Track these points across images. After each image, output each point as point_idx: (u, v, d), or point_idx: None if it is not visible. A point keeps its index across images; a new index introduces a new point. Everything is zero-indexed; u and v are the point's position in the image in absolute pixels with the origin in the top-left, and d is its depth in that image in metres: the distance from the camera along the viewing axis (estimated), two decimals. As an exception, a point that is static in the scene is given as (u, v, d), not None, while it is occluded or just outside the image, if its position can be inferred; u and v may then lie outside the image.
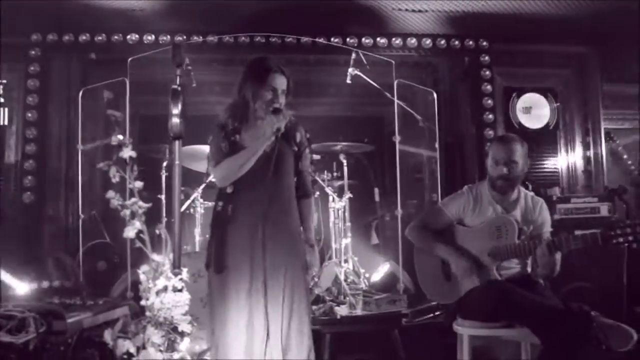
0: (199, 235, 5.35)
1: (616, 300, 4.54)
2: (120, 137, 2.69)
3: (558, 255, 3.32)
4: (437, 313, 4.63)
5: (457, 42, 6.43)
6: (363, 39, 6.22)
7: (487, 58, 6.46)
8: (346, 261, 5.41)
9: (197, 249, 5.28)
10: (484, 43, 6.46)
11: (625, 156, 5.50)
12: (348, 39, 6.17)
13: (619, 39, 6.43)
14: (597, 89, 6.74)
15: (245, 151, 2.92)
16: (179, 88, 2.82)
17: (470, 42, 6.44)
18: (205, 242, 5.21)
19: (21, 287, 4.42)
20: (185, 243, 5.55)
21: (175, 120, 2.77)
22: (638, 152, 6.35)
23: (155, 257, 2.71)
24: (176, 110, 2.77)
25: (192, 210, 5.42)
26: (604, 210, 5.67)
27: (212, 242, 3.04)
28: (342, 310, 4.59)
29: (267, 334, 2.82)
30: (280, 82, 3.01)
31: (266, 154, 2.95)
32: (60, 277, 4.83)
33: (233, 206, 2.95)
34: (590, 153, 6.67)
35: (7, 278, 4.72)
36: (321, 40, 6.08)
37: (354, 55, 5.53)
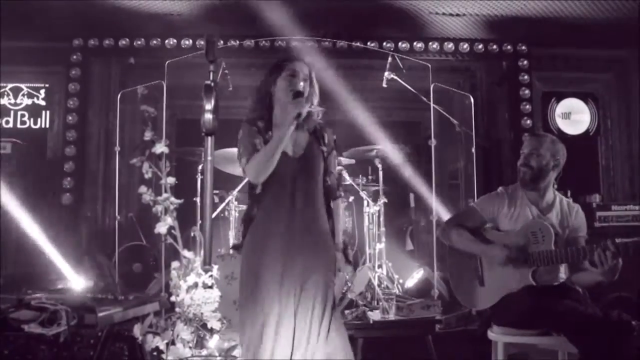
0: (233, 238, 5.36)
1: None
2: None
3: (620, 260, 3.22)
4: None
5: (494, 47, 6.37)
6: (400, 43, 6.20)
7: (525, 62, 6.38)
8: (380, 266, 5.37)
9: (231, 251, 5.30)
10: (523, 47, 6.39)
11: None
12: (385, 43, 6.16)
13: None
14: (639, 94, 6.59)
15: (270, 142, 2.85)
16: (212, 84, 2.83)
17: (509, 47, 6.38)
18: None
19: (78, 282, 4.52)
20: (219, 246, 5.60)
21: (208, 115, 2.78)
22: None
23: (186, 253, 2.73)
24: (209, 105, 2.78)
25: (226, 213, 5.45)
26: (646, 218, 5.55)
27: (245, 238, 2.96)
28: (374, 315, 4.54)
29: (293, 340, 2.76)
30: (300, 66, 2.95)
31: (297, 153, 2.93)
32: (95, 277, 4.91)
33: (264, 205, 2.90)
34: (632, 160, 6.52)
35: (67, 270, 4.87)
36: (357, 44, 6.08)
37: (390, 60, 5.53)
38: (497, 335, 3.34)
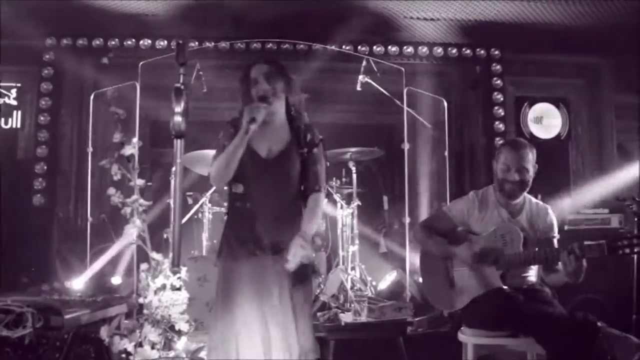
0: (206, 240, 5.37)
1: (625, 311, 4.49)
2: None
3: (584, 262, 3.27)
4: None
5: (468, 51, 6.45)
6: (374, 47, 6.24)
7: (498, 67, 6.47)
8: (353, 268, 5.40)
9: (205, 253, 5.29)
10: (496, 52, 6.48)
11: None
12: (359, 47, 6.19)
13: (633, 50, 6.42)
14: (609, 100, 6.73)
15: (227, 147, 2.84)
16: (182, 87, 2.83)
17: (482, 51, 6.46)
18: (213, 247, 5.27)
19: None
20: (193, 248, 5.59)
21: (178, 118, 2.78)
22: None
23: (155, 255, 2.72)
24: (179, 108, 2.79)
25: (200, 215, 5.45)
26: (615, 221, 5.61)
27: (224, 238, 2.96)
28: (346, 317, 4.57)
29: (269, 339, 2.76)
30: (258, 70, 2.93)
31: (272, 155, 2.91)
32: (65, 279, 4.86)
33: (235, 207, 2.91)
34: (602, 164, 6.62)
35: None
36: (333, 47, 6.09)
37: (364, 63, 5.57)
38: (467, 336, 3.37)
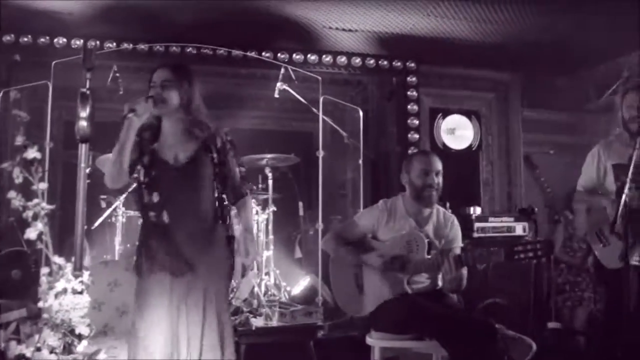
0: (119, 244, 5.30)
1: (525, 314, 4.73)
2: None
3: (464, 271, 3.44)
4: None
5: (385, 62, 6.59)
6: (294, 55, 6.29)
7: (414, 79, 6.65)
8: (267, 274, 5.45)
9: (117, 257, 5.22)
10: (412, 64, 6.65)
11: (542, 178, 5.76)
12: (279, 54, 6.22)
13: (540, 68, 6.79)
14: (517, 114, 7.06)
15: (116, 146, 2.86)
16: (88, 92, 2.82)
17: (399, 63, 6.62)
18: (126, 251, 5.20)
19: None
20: (105, 252, 5.49)
21: (83, 123, 2.77)
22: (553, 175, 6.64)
23: (56, 259, 2.70)
24: (84, 113, 2.78)
25: (113, 218, 5.38)
26: (519, 229, 5.94)
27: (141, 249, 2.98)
28: (257, 322, 4.62)
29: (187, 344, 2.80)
30: (159, 74, 2.97)
31: (180, 162, 2.93)
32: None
33: (147, 214, 2.92)
34: (510, 174, 6.94)
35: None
36: (252, 54, 6.11)
37: (282, 71, 5.65)
38: (374, 340, 3.50)
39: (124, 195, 5.21)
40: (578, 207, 4.70)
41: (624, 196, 3.23)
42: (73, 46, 5.85)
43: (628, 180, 3.26)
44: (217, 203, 3.00)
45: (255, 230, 5.48)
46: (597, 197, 3.75)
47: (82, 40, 5.87)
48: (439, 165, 3.63)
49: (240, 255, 3.03)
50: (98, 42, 5.88)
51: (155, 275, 2.84)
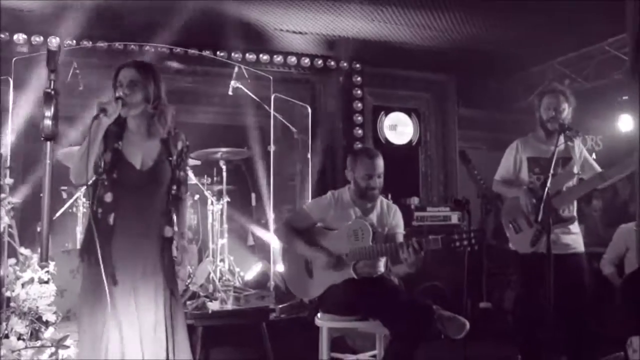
0: (80, 233, 5.39)
1: (460, 295, 5.08)
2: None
3: (422, 255, 3.57)
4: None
5: (332, 63, 6.94)
6: (247, 55, 6.54)
7: (359, 79, 7.01)
8: (222, 260, 5.61)
9: (79, 246, 5.34)
10: (357, 65, 7.02)
11: (475, 171, 6.13)
12: (233, 54, 6.46)
13: (474, 71, 7.23)
14: (453, 112, 7.51)
15: (84, 142, 2.80)
16: (52, 92, 2.91)
17: (345, 64, 6.97)
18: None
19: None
20: (66, 241, 5.57)
21: (48, 122, 2.89)
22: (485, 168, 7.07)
23: (23, 250, 2.83)
24: (49, 112, 2.88)
25: (74, 209, 5.50)
26: (455, 218, 6.34)
27: (87, 244, 2.88)
28: (213, 306, 4.74)
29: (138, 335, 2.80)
30: (125, 74, 2.90)
31: (146, 166, 2.92)
32: None
33: (115, 215, 2.83)
34: (446, 168, 7.39)
35: None
36: (207, 53, 6.35)
37: (236, 69, 5.86)
38: (322, 321, 3.66)
39: (85, 187, 5.32)
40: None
41: (546, 189, 3.46)
42: (33, 42, 5.96)
43: (550, 174, 3.51)
44: (166, 206, 2.98)
45: (210, 220, 5.77)
46: (512, 187, 4.04)
47: (42, 38, 5.96)
48: (380, 167, 3.78)
49: (177, 264, 2.98)
50: (58, 39, 5.95)
51: (95, 277, 2.73)
